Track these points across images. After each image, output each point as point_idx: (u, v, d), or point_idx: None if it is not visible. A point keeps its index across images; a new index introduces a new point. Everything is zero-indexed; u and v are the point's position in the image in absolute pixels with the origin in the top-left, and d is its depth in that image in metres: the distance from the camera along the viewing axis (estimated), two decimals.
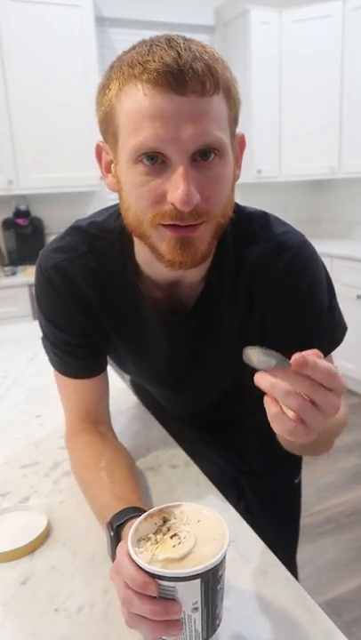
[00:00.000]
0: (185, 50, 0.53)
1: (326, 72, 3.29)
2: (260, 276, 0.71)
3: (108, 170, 0.65)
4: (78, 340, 0.78)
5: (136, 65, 0.54)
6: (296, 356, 0.44)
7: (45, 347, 0.84)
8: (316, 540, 1.98)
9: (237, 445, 1.03)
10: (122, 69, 0.56)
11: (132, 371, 0.88)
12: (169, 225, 0.59)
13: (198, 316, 0.74)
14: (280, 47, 3.31)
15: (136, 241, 0.70)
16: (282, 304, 0.71)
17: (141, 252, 0.70)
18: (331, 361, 0.78)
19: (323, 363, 0.45)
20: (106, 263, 0.74)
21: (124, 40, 3.34)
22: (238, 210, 0.72)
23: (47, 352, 0.84)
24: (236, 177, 0.65)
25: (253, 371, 0.49)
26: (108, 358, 0.86)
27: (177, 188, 0.55)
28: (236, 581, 0.59)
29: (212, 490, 0.78)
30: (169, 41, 0.54)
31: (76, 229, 0.76)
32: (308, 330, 0.73)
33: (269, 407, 0.48)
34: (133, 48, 0.57)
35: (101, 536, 0.69)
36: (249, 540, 0.67)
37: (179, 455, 0.89)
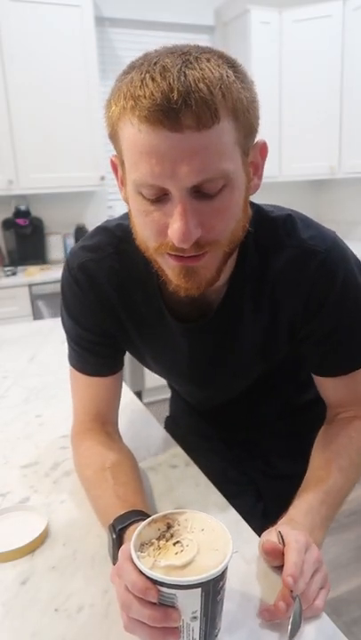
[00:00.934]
0: (179, 80, 0.50)
1: (326, 72, 3.28)
2: (287, 283, 0.69)
3: (122, 183, 0.64)
4: (99, 339, 0.79)
5: (129, 99, 0.52)
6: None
7: (67, 343, 0.84)
8: None
9: (262, 448, 1.02)
10: (119, 98, 0.54)
11: (154, 369, 0.88)
12: (173, 254, 0.59)
13: (219, 323, 0.74)
14: (280, 47, 3.31)
15: None
16: (313, 311, 0.70)
17: None
18: None
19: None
20: (130, 266, 0.74)
21: (124, 40, 3.35)
22: (262, 214, 0.71)
23: (68, 348, 0.85)
24: (255, 187, 0.63)
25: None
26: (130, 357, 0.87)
27: (174, 224, 0.55)
28: (236, 582, 0.59)
29: (212, 490, 0.78)
30: (163, 70, 0.51)
31: (104, 230, 0.77)
32: (345, 335, 0.72)
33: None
34: (134, 68, 0.54)
35: (101, 536, 0.69)
36: (250, 541, 0.67)
37: (179, 455, 0.89)
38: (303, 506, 0.67)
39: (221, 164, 0.54)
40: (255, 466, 1.03)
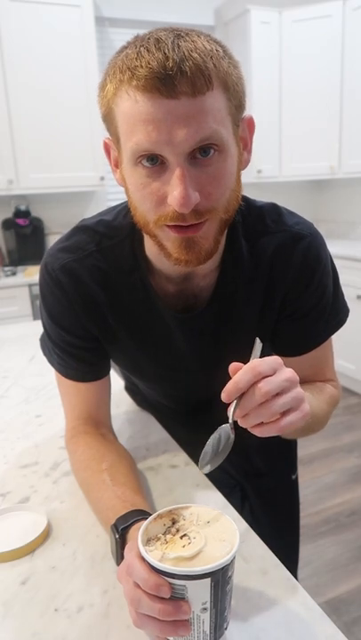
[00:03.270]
0: (173, 50, 0.52)
1: (326, 72, 3.28)
2: (279, 266, 0.73)
3: (116, 165, 0.65)
4: (84, 343, 0.78)
5: (125, 70, 0.54)
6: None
7: (45, 348, 0.83)
8: (316, 540, 1.98)
9: (241, 445, 1.03)
10: (115, 73, 0.56)
11: (141, 368, 0.86)
12: (173, 225, 0.59)
13: (214, 310, 0.75)
14: (280, 47, 3.31)
15: (146, 236, 0.70)
16: (299, 291, 0.74)
17: (152, 247, 0.70)
18: (330, 345, 0.81)
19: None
20: (116, 262, 0.73)
21: (124, 40, 3.33)
22: (249, 203, 0.75)
23: (48, 353, 0.83)
24: (245, 162, 0.65)
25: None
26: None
27: (174, 190, 0.56)
28: (236, 581, 0.59)
29: (211, 489, 0.78)
30: (157, 41, 0.53)
31: (83, 229, 0.76)
32: (318, 313, 0.76)
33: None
34: (126, 47, 0.57)
35: (101, 536, 0.69)
36: (249, 539, 0.67)
37: (179, 455, 0.89)
38: None
39: (215, 125, 0.56)
40: (237, 465, 1.04)
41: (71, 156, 3.00)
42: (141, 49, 0.53)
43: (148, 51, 0.53)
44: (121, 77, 0.55)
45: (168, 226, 0.60)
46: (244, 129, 0.64)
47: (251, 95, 3.26)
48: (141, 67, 0.52)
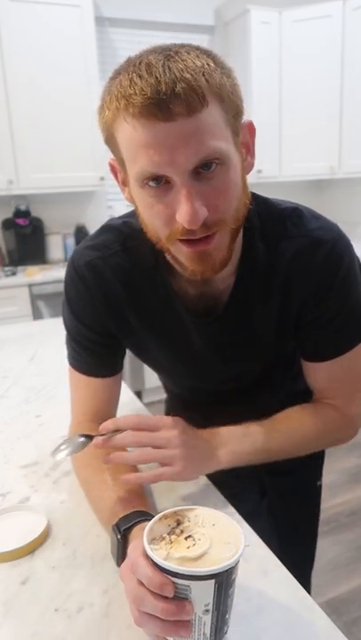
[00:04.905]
0: (164, 73, 0.53)
1: (326, 72, 3.28)
2: (297, 271, 0.72)
3: (124, 184, 0.67)
4: (101, 339, 0.80)
5: (121, 99, 0.55)
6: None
7: (66, 341, 0.85)
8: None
9: None
10: (111, 100, 0.57)
11: (162, 364, 0.88)
12: (184, 240, 0.61)
13: (231, 313, 0.76)
14: (280, 47, 3.31)
15: None
16: (319, 296, 0.73)
17: None
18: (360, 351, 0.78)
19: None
20: (138, 262, 0.75)
21: (124, 40, 3.35)
22: (269, 206, 0.75)
23: (67, 347, 0.85)
24: (250, 166, 0.66)
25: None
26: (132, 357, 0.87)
27: (182, 208, 0.57)
28: (236, 581, 0.59)
29: (211, 489, 0.78)
30: (148, 66, 0.54)
31: (110, 229, 0.78)
32: (343, 319, 0.75)
33: None
34: (119, 74, 0.57)
35: (101, 536, 0.69)
36: (250, 539, 0.67)
37: None
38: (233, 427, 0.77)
39: (215, 142, 0.57)
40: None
41: (71, 155, 3.00)
42: (134, 75, 0.54)
43: (140, 77, 0.54)
44: (117, 105, 0.56)
45: (180, 240, 0.61)
46: (245, 134, 0.65)
47: (251, 95, 3.26)
48: (135, 94, 0.54)
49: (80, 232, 3.29)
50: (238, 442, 0.76)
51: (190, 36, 3.46)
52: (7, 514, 0.73)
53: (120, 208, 3.35)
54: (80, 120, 2.96)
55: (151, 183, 0.58)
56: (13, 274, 2.97)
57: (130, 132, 0.56)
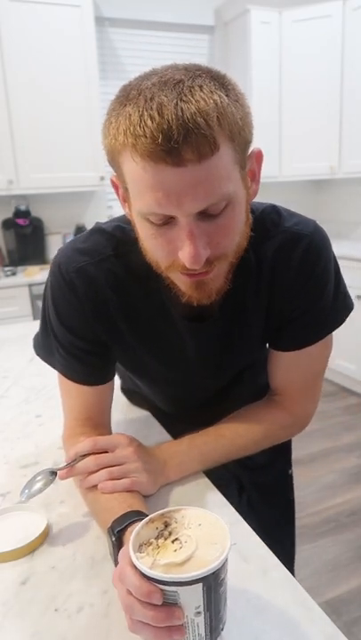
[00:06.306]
0: (176, 118, 0.51)
1: (326, 72, 3.28)
2: (280, 267, 0.73)
3: (125, 200, 0.65)
4: (90, 347, 0.77)
5: (130, 136, 0.53)
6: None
7: (44, 347, 0.82)
8: (316, 540, 1.98)
9: None
10: (118, 132, 0.55)
11: (151, 373, 0.86)
12: (184, 272, 0.62)
13: (224, 318, 0.76)
14: (280, 47, 3.31)
15: None
16: (299, 289, 0.74)
17: None
18: (330, 341, 0.81)
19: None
20: (132, 268, 0.73)
21: (124, 40, 3.35)
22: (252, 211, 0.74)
23: (47, 353, 0.82)
24: (254, 193, 0.66)
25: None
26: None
27: (184, 248, 0.57)
28: (235, 581, 0.59)
29: (211, 489, 0.78)
30: (160, 107, 0.51)
31: (101, 232, 0.75)
32: (318, 311, 0.76)
33: None
34: (128, 100, 0.54)
35: (101, 536, 0.69)
36: (249, 539, 0.67)
37: None
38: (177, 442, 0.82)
39: (223, 188, 0.56)
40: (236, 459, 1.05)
41: (71, 155, 3.00)
42: (145, 114, 0.52)
43: (151, 118, 0.51)
44: (125, 141, 0.54)
45: (180, 272, 0.62)
46: (252, 163, 0.64)
47: (251, 95, 3.26)
48: (145, 136, 0.52)
49: (80, 232, 3.29)
50: (184, 455, 0.79)
51: (190, 36, 3.46)
52: (7, 514, 0.73)
53: (120, 208, 3.34)
54: (80, 120, 2.96)
55: (154, 220, 0.58)
56: (13, 274, 2.97)
57: (138, 170, 0.55)
